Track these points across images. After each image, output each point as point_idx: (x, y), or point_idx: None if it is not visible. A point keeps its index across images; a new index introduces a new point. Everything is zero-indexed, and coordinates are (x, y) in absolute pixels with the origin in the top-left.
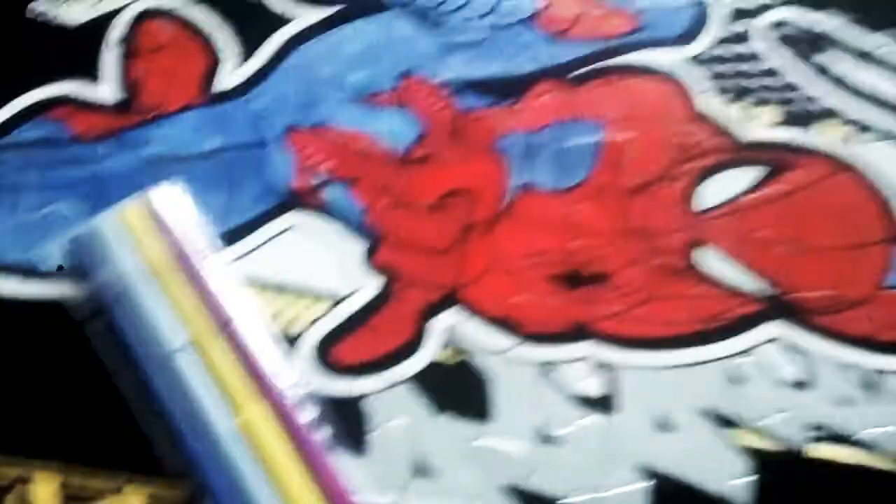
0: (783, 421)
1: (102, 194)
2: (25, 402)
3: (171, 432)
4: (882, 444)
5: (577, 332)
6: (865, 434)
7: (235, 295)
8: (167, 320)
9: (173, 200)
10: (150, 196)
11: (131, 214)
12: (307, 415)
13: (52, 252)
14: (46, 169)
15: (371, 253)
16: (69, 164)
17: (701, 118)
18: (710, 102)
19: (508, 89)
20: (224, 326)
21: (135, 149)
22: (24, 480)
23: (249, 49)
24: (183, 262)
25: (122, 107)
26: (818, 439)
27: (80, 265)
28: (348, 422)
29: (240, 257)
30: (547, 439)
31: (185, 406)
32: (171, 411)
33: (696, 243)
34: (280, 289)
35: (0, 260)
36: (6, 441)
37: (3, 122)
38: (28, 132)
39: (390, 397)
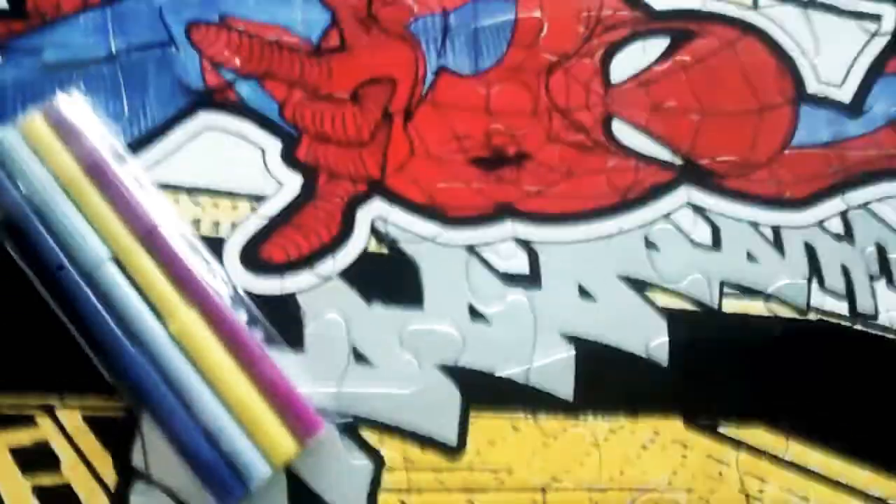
0: (697, 281)
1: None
2: None
3: (105, 348)
4: (787, 294)
5: (500, 213)
6: (772, 287)
7: (153, 202)
8: (86, 234)
9: (75, 108)
10: (50, 106)
11: (34, 126)
12: (240, 316)
13: None
14: None
15: (290, 149)
16: None
17: None
18: None
19: None
20: (146, 235)
21: (30, 56)
22: None
23: None
24: (95, 171)
25: (13, 11)
26: (730, 295)
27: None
28: (282, 318)
29: (154, 163)
30: (476, 318)
31: (116, 320)
32: (102, 326)
33: (610, 116)
34: (199, 192)
35: None
36: None
37: None
38: None
39: (322, 291)
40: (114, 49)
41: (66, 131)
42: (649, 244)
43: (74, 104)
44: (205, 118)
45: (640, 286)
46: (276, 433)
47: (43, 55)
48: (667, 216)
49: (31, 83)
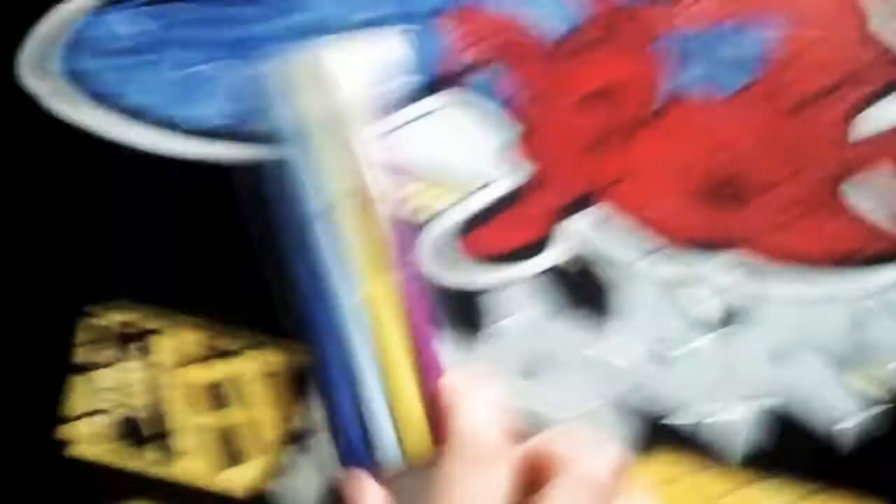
0: None
1: (248, 57)
2: (163, 258)
3: (297, 297)
4: None
5: (708, 252)
6: None
7: (379, 168)
8: (314, 181)
9: (341, 63)
10: (320, 53)
11: (301, 68)
12: (427, 297)
13: (198, 109)
14: (193, 27)
15: (511, 145)
16: (216, 23)
17: (874, 40)
18: (886, 24)
19: None
20: (364, 197)
21: (284, 14)
22: (153, 332)
23: None
24: (340, 125)
25: None
26: None
27: (243, 111)
28: (466, 312)
29: (383, 134)
30: (660, 357)
31: (314, 271)
32: (301, 274)
33: (847, 174)
34: (417, 170)
35: (147, 115)
36: (142, 293)
37: None
38: None
39: (512, 293)
40: (360, 20)
41: (328, 80)
42: (859, 320)
43: (341, 58)
44: (435, 100)
45: (842, 363)
46: (417, 428)
47: (296, 15)
48: (887, 293)
49: (283, 40)
